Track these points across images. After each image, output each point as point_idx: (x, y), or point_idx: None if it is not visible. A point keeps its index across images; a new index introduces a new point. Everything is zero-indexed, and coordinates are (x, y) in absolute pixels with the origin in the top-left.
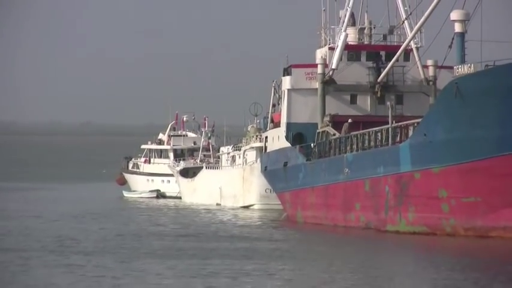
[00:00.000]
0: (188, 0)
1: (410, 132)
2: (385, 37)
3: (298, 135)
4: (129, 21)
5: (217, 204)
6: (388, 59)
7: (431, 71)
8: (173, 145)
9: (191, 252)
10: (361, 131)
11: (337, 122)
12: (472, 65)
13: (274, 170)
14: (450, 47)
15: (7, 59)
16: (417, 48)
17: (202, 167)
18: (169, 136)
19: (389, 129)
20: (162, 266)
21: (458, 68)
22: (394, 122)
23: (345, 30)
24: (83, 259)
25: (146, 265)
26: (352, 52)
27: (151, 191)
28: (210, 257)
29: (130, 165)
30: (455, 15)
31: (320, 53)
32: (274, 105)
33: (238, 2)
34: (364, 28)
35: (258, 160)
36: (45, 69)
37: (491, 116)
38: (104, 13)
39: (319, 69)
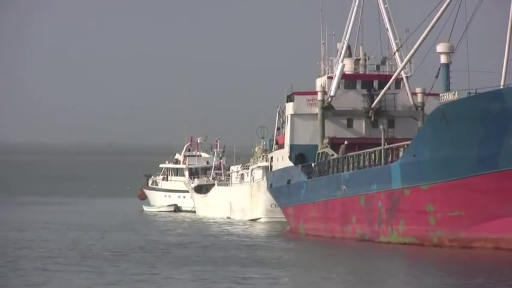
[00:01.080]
0: (203, 32)
1: (401, 153)
2: (378, 67)
3: (300, 155)
4: (147, 53)
5: (228, 218)
6: (381, 86)
7: (419, 98)
8: (188, 164)
9: (203, 259)
10: (356, 152)
11: (335, 143)
12: (456, 93)
13: (279, 187)
14: (437, 76)
15: (38, 91)
16: (407, 77)
17: (214, 184)
18: (185, 156)
19: (382, 150)
20: (176, 271)
21: (443, 95)
22: (386, 143)
23: (342, 61)
24: (113, 265)
25: (164, 271)
26: (348, 81)
27: (169, 206)
28: (219, 264)
29: (150, 182)
30: (440, 47)
31: (320, 82)
32: (278, 129)
33: (247, 39)
34: (359, 59)
35: (264, 178)
36: (70, 94)
37: (472, 138)
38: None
39: (319, 96)
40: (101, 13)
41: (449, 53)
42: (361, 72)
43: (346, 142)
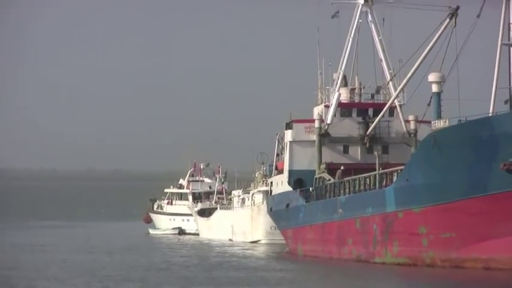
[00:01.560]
0: (205, 63)
1: (395, 178)
2: (372, 96)
3: (298, 180)
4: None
5: (230, 240)
6: (375, 114)
7: (412, 125)
8: (192, 189)
9: (206, 280)
10: (352, 177)
11: (331, 169)
12: (447, 120)
13: (278, 210)
14: (429, 104)
15: (42, 120)
16: (400, 106)
17: (216, 208)
18: (189, 181)
19: (377, 175)
20: None
21: (435, 123)
22: (380, 169)
23: (338, 90)
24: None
25: None
26: (344, 109)
27: (174, 228)
28: (222, 284)
29: (155, 206)
30: (432, 77)
31: (317, 110)
32: (278, 155)
33: (247, 69)
34: (355, 88)
35: (265, 202)
36: (78, 120)
37: (463, 164)
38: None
39: (316, 124)
40: (101, 39)
41: (440, 82)
42: (356, 101)
43: (342, 167)
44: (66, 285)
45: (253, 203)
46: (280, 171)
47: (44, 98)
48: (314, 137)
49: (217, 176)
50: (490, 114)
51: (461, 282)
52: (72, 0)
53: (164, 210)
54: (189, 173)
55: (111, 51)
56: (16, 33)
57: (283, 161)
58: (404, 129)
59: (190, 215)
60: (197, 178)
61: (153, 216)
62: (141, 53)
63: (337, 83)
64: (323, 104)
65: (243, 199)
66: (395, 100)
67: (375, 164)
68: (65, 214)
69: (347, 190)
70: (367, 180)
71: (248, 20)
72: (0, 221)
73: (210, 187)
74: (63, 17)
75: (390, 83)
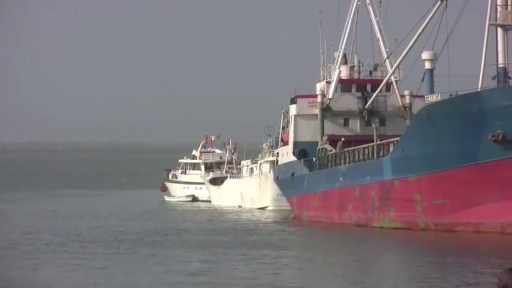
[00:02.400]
0: (221, 49)
1: (391, 148)
2: (370, 73)
3: (302, 151)
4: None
5: (239, 206)
6: (373, 90)
7: (407, 100)
8: (204, 159)
9: (220, 243)
10: (352, 148)
11: (333, 140)
12: (440, 95)
13: (284, 179)
14: (422, 80)
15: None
16: (396, 82)
17: (227, 177)
18: (201, 152)
19: (375, 146)
20: (192, 253)
21: (428, 97)
22: (378, 140)
23: (339, 68)
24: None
25: (182, 252)
26: (344, 85)
27: (187, 196)
28: (232, 246)
29: (170, 175)
30: (425, 55)
31: (319, 86)
32: (283, 128)
33: (255, 51)
34: (354, 66)
35: (271, 171)
36: (101, 95)
37: (454, 135)
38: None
39: (319, 99)
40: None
41: (432, 60)
42: (355, 78)
43: (343, 139)
44: (99, 247)
45: (261, 172)
46: (286, 143)
47: (69, 80)
48: (317, 111)
49: (227, 147)
50: (479, 90)
51: (452, 245)
52: None
53: (178, 179)
54: (201, 144)
55: (127, 34)
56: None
57: (289, 133)
58: (400, 104)
59: (203, 183)
60: (209, 149)
61: (168, 185)
62: (155, 35)
63: (337, 61)
64: (325, 81)
65: (252, 169)
66: (392, 76)
67: (373, 135)
68: (93, 184)
69: (347, 160)
70: (366, 150)
71: (254, 3)
72: (39, 190)
73: (220, 157)
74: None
75: (387, 60)
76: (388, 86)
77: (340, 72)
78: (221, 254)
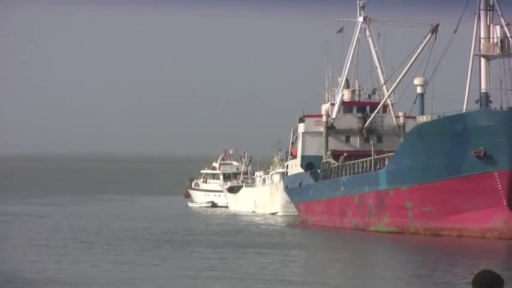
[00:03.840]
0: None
1: (387, 162)
2: (369, 96)
3: (309, 164)
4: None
5: (253, 212)
6: (372, 111)
7: (401, 120)
8: (223, 170)
9: (235, 242)
10: (352, 161)
11: (336, 155)
12: (429, 116)
13: (292, 188)
14: (414, 103)
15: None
16: (392, 104)
17: (242, 186)
18: (220, 164)
19: (372, 160)
20: (210, 251)
21: (419, 118)
22: (375, 155)
23: (342, 91)
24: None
25: (201, 251)
26: (346, 107)
27: (208, 202)
28: (247, 246)
29: (193, 184)
30: (417, 81)
31: (324, 107)
32: (292, 143)
33: (268, 77)
34: (355, 90)
35: (281, 181)
36: (136, 107)
37: (441, 151)
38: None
39: (324, 119)
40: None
41: (423, 85)
42: (356, 100)
43: (345, 154)
44: (126, 245)
45: (272, 182)
46: (294, 156)
47: (102, 89)
48: (322, 129)
49: (243, 160)
50: (464, 112)
51: (438, 247)
52: None
53: (200, 187)
54: (220, 157)
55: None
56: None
57: (297, 148)
58: (395, 123)
59: (221, 191)
60: (227, 161)
61: (191, 192)
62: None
63: (341, 86)
64: (329, 103)
65: (264, 179)
66: (388, 99)
67: (371, 151)
68: (127, 190)
69: (348, 172)
70: (364, 164)
71: (269, 34)
72: (77, 195)
73: (237, 169)
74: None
75: (384, 85)
76: (385, 107)
77: (343, 95)
78: (236, 252)
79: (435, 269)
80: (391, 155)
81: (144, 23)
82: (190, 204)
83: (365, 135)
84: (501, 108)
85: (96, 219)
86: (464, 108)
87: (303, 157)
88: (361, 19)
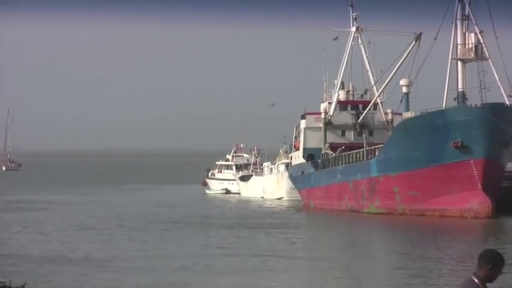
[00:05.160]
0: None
1: (377, 153)
2: (362, 96)
3: (310, 155)
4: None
5: (262, 197)
6: (364, 108)
7: (389, 116)
8: (235, 162)
9: (246, 224)
10: (347, 152)
11: (333, 147)
12: (413, 112)
13: (296, 176)
14: (401, 101)
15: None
16: (381, 102)
17: (252, 175)
18: (233, 156)
19: (364, 151)
20: (224, 232)
21: (405, 114)
22: (367, 146)
23: (338, 92)
24: (183, 228)
25: (218, 231)
26: (342, 105)
27: (222, 189)
28: (258, 226)
29: (209, 174)
30: (402, 82)
31: (323, 106)
32: (295, 137)
33: (273, 82)
34: (349, 90)
35: (286, 170)
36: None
37: (424, 143)
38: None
39: (322, 116)
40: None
41: (408, 85)
42: (350, 99)
43: (343, 147)
44: (150, 229)
45: (278, 171)
46: (297, 149)
47: (128, 93)
48: (321, 125)
49: (252, 152)
50: (443, 108)
51: (423, 226)
52: None
53: (216, 177)
54: (233, 150)
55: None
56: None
57: (299, 141)
58: (384, 119)
59: (234, 179)
60: (239, 154)
61: (208, 181)
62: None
63: (337, 87)
64: (327, 102)
65: (271, 168)
66: (378, 98)
67: (363, 143)
68: (151, 180)
69: (344, 161)
70: (358, 154)
71: (274, 43)
72: (110, 185)
73: (247, 160)
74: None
75: (374, 86)
76: (375, 105)
77: (338, 95)
78: (248, 232)
79: (420, 244)
80: (381, 147)
81: (159, 32)
82: (207, 192)
83: (358, 130)
84: (476, 105)
85: (125, 206)
86: (444, 105)
87: (304, 149)
88: (354, 29)
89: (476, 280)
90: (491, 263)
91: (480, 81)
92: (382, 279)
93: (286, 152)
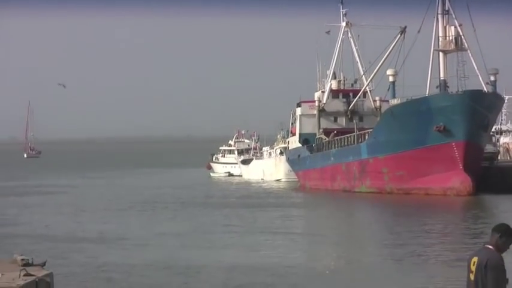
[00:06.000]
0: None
1: (367, 137)
2: (352, 85)
3: (305, 140)
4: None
5: (261, 179)
6: (354, 96)
7: (378, 103)
8: (237, 147)
9: (248, 203)
10: (339, 137)
11: (326, 132)
12: (399, 99)
13: (293, 159)
14: (388, 89)
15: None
16: (370, 91)
17: (253, 159)
18: (235, 142)
19: (355, 135)
20: (227, 210)
21: (391, 101)
22: (358, 131)
23: (330, 81)
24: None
25: (222, 210)
26: (334, 93)
27: (225, 172)
28: (258, 205)
29: (214, 158)
30: (389, 72)
31: (317, 94)
32: (292, 123)
33: (273, 72)
34: (341, 80)
35: (284, 154)
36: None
37: (409, 127)
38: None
39: (316, 103)
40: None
41: (394, 75)
42: (342, 88)
43: (335, 132)
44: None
45: (277, 155)
46: (294, 134)
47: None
48: (315, 112)
49: (253, 138)
50: (427, 95)
51: (409, 203)
52: None
53: (219, 161)
54: (235, 136)
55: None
56: None
57: (296, 127)
58: (373, 106)
59: (236, 163)
60: (240, 139)
61: (212, 164)
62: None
63: (329, 77)
64: (320, 91)
65: (270, 152)
66: (367, 87)
67: (354, 128)
68: (160, 164)
69: (336, 145)
70: (349, 138)
71: (272, 37)
72: (122, 170)
73: (248, 145)
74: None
75: (363, 76)
76: (365, 93)
77: (331, 84)
78: (249, 210)
79: (406, 219)
80: (370, 131)
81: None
82: (212, 174)
83: (349, 116)
84: (456, 92)
85: (136, 188)
86: (427, 93)
87: (300, 134)
88: (344, 24)
89: (490, 246)
90: (500, 233)
91: (460, 70)
92: (372, 250)
93: (283, 137)
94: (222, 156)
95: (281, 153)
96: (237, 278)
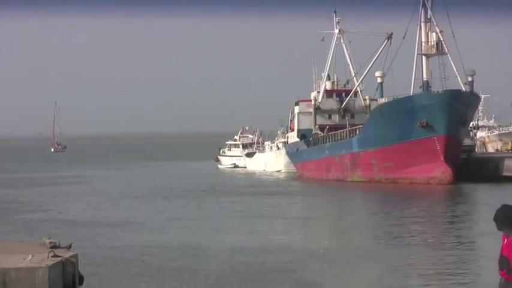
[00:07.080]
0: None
1: (358, 132)
2: (344, 85)
3: (303, 135)
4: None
5: (264, 170)
6: (346, 96)
7: (367, 102)
8: (242, 141)
9: (252, 191)
10: (333, 132)
11: (322, 128)
12: (387, 98)
13: (292, 152)
14: (376, 89)
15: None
16: (361, 91)
17: (256, 152)
18: (240, 137)
19: (347, 130)
20: (232, 198)
21: (380, 100)
22: (349, 127)
23: (325, 83)
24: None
25: (223, 198)
26: (328, 93)
27: (231, 164)
28: (259, 193)
29: (221, 151)
30: (377, 73)
31: (313, 94)
32: (291, 120)
33: (274, 74)
34: (334, 81)
35: (283, 148)
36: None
37: (396, 123)
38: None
39: (313, 102)
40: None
41: (382, 76)
42: (335, 88)
43: (327, 127)
44: (170, 196)
45: (277, 148)
46: (292, 130)
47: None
48: (311, 110)
49: (256, 133)
50: (411, 94)
51: (396, 191)
52: None
53: (226, 154)
54: (239, 132)
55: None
56: None
57: (294, 124)
58: (363, 104)
59: (241, 156)
60: (244, 135)
61: (220, 157)
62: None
63: (324, 78)
64: (316, 91)
65: (271, 146)
66: (358, 87)
67: (346, 124)
68: (173, 157)
69: (330, 140)
70: (342, 133)
71: (272, 43)
72: (135, 163)
73: (252, 140)
74: None
75: (354, 77)
76: (356, 93)
77: (325, 85)
78: (253, 198)
79: (393, 205)
80: (361, 127)
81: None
82: (219, 166)
83: (342, 113)
84: (438, 91)
85: (151, 178)
86: (412, 92)
87: (298, 130)
88: (337, 31)
89: None
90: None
91: (441, 72)
92: (364, 232)
93: (283, 133)
94: (228, 149)
95: (283, 145)
96: (239, 258)
